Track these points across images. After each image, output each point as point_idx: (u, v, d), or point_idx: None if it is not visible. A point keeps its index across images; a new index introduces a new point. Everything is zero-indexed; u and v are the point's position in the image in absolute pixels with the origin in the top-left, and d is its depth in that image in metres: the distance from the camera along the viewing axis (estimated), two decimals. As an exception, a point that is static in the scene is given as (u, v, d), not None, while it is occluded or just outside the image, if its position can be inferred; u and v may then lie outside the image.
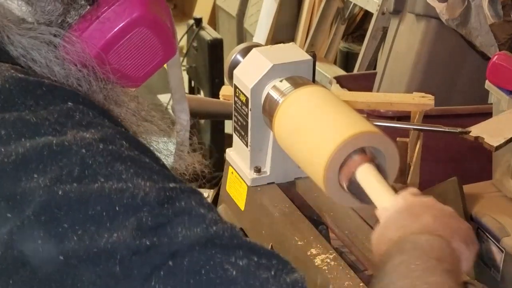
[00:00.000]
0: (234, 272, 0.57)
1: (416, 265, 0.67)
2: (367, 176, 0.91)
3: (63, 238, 0.57)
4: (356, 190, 0.92)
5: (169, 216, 0.59)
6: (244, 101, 1.17)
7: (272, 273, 0.58)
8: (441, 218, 0.80)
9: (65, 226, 0.57)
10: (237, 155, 1.24)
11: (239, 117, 1.20)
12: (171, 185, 0.61)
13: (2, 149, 0.60)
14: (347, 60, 3.36)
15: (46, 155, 0.60)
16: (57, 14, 0.72)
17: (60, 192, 0.58)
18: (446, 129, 1.50)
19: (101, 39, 0.74)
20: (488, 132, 1.50)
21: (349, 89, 2.34)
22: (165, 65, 0.83)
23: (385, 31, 2.73)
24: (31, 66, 0.69)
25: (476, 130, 1.50)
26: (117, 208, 0.58)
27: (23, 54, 0.69)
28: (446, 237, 0.76)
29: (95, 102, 0.69)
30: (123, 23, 0.74)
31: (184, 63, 3.39)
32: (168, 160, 0.83)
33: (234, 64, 1.22)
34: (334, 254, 1.06)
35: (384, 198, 0.87)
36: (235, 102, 1.20)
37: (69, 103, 0.64)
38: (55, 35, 0.71)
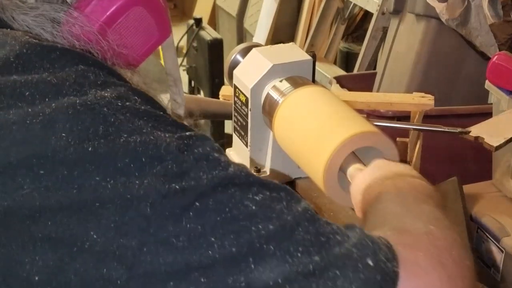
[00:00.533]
0: (253, 207, 0.63)
1: (411, 196, 0.74)
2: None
3: (97, 188, 0.61)
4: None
5: (190, 162, 0.64)
6: (244, 101, 1.17)
7: (284, 203, 0.64)
8: (402, 170, 0.86)
9: (97, 179, 0.61)
10: (237, 155, 1.24)
11: (239, 117, 1.20)
12: (186, 133, 0.66)
13: (29, 110, 0.64)
14: (347, 60, 3.36)
15: (72, 115, 0.63)
16: None
17: (90, 149, 0.62)
18: (446, 129, 1.50)
19: (100, 16, 0.77)
20: (488, 132, 1.50)
21: (349, 89, 2.34)
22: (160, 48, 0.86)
23: (385, 31, 2.72)
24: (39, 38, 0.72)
25: (476, 130, 1.50)
26: (143, 159, 0.62)
27: (33, 35, 0.72)
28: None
29: (103, 63, 0.72)
30: (120, 2, 0.77)
31: (184, 63, 3.39)
32: None
33: (234, 64, 1.22)
34: (334, 254, 1.06)
35: None
36: (235, 102, 1.20)
37: (81, 66, 0.68)
38: (57, 11, 0.74)
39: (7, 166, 0.62)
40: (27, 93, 0.64)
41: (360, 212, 0.85)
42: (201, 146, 0.65)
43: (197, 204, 0.62)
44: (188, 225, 0.61)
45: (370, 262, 0.62)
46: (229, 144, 1.27)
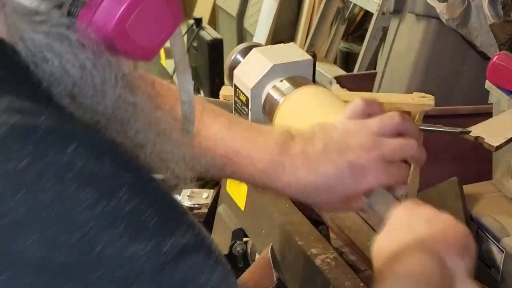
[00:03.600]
0: None
1: None
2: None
3: None
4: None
5: (169, 286, 0.59)
6: (244, 101, 1.17)
7: None
8: (437, 230, 0.82)
9: None
10: (237, 155, 1.24)
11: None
12: (170, 242, 0.60)
13: None
14: (347, 60, 3.35)
15: (44, 219, 0.58)
16: None
17: (60, 259, 0.57)
18: (446, 129, 1.50)
19: (113, 17, 0.69)
20: (488, 132, 1.50)
21: (349, 89, 2.34)
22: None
23: (385, 31, 2.72)
24: (40, 65, 0.66)
25: (476, 130, 1.50)
26: (116, 275, 0.58)
27: (34, 53, 0.65)
28: (440, 253, 0.78)
29: (97, 135, 0.65)
30: None
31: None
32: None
33: (234, 64, 1.22)
34: (334, 254, 1.06)
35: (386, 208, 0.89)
36: (235, 102, 1.20)
37: (68, 150, 0.60)
38: (67, 27, 0.67)
39: None
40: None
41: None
42: (185, 269, 0.60)
43: None
44: None
45: None
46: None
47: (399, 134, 0.96)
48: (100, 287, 0.57)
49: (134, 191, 0.61)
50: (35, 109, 0.63)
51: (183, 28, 3.22)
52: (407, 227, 0.83)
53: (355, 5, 3.16)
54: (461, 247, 0.81)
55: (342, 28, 3.23)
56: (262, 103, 1.14)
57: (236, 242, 1.31)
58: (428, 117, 1.73)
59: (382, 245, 0.82)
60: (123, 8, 0.70)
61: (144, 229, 0.60)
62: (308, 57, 1.18)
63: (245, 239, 1.31)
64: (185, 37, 3.32)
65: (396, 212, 0.86)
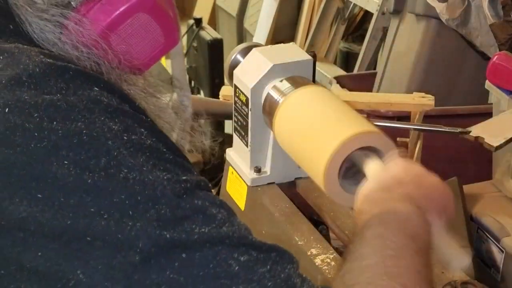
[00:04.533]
0: (236, 267, 0.63)
1: (392, 242, 0.72)
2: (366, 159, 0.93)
3: (91, 221, 0.62)
4: (355, 189, 0.92)
5: (186, 211, 0.64)
6: (244, 101, 1.17)
7: (268, 267, 0.65)
8: (423, 187, 0.85)
9: (92, 211, 0.62)
10: (237, 155, 1.24)
11: (239, 117, 1.20)
12: (186, 177, 0.67)
13: (36, 134, 0.64)
14: (347, 60, 3.35)
15: (76, 144, 0.64)
16: None
17: (89, 180, 0.63)
18: (446, 129, 1.50)
19: (103, 21, 0.76)
20: (488, 132, 1.50)
21: (349, 89, 2.34)
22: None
23: (385, 31, 2.72)
24: (48, 48, 0.73)
25: (476, 130, 1.50)
26: (139, 198, 0.63)
27: (39, 35, 0.73)
28: (424, 208, 0.81)
29: (115, 85, 0.73)
30: (124, 7, 0.77)
31: (184, 63, 3.39)
32: (174, 134, 0.87)
33: (234, 64, 1.22)
34: (334, 254, 1.06)
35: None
36: (235, 102, 1.20)
37: (95, 88, 0.68)
38: (63, 16, 0.74)
39: (7, 185, 0.63)
40: (35, 115, 0.65)
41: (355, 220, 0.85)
42: (201, 199, 0.66)
43: (183, 256, 0.63)
44: (171, 276, 0.62)
45: None
46: (229, 144, 1.27)
47: None
48: (124, 209, 0.62)
49: (152, 132, 0.69)
50: (63, 57, 0.72)
51: (183, 28, 3.23)
52: (396, 180, 0.85)
53: (355, 5, 3.16)
54: (442, 206, 0.85)
55: (342, 28, 3.23)
56: (262, 103, 1.14)
57: (236, 242, 1.31)
58: (428, 117, 1.73)
59: (370, 194, 0.85)
60: (113, 16, 0.77)
61: (163, 162, 0.67)
62: (308, 57, 1.18)
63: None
64: (185, 37, 3.32)
65: (388, 166, 0.89)
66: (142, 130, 0.68)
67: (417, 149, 1.63)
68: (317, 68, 1.28)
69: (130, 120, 0.68)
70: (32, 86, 0.66)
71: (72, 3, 0.75)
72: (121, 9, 0.77)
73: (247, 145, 1.19)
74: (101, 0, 0.76)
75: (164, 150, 0.69)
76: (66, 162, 0.63)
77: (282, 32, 3.61)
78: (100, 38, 0.74)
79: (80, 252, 0.61)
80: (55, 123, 0.64)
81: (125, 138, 0.66)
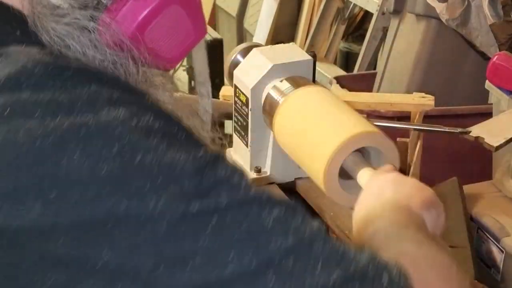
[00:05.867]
0: (270, 223, 0.62)
1: (392, 231, 0.75)
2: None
3: (111, 209, 0.60)
4: (355, 189, 0.93)
5: (209, 183, 0.62)
6: (244, 101, 1.17)
7: (299, 220, 0.64)
8: (403, 192, 0.86)
9: (111, 201, 0.60)
10: (237, 155, 1.24)
11: (239, 117, 1.20)
12: (203, 152, 0.65)
13: (40, 130, 0.62)
14: (347, 60, 3.35)
15: (84, 135, 0.62)
16: None
17: (103, 171, 0.60)
18: (446, 129, 1.50)
19: (135, 19, 0.74)
20: (488, 132, 1.50)
21: (349, 89, 2.34)
22: None
23: (385, 31, 2.72)
24: (64, 52, 0.71)
25: (476, 130, 1.50)
26: (159, 180, 0.61)
27: (57, 42, 0.70)
28: (406, 206, 0.83)
29: (120, 80, 0.71)
30: (155, 2, 0.74)
31: (184, 63, 3.39)
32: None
33: (234, 64, 1.22)
34: (334, 254, 1.06)
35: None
36: (235, 102, 1.21)
37: (94, 85, 0.66)
38: (89, 19, 0.72)
39: (17, 189, 0.61)
40: (37, 113, 0.63)
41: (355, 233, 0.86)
42: (223, 169, 0.64)
43: (214, 222, 0.61)
44: (205, 243, 0.60)
45: (386, 277, 0.62)
46: (229, 144, 1.27)
47: None
48: (145, 192, 0.60)
49: (159, 115, 0.67)
50: (67, 57, 0.70)
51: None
52: (376, 194, 0.87)
53: (355, 5, 3.15)
54: (426, 203, 0.85)
55: (342, 28, 3.23)
56: (262, 103, 1.14)
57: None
58: (428, 117, 1.73)
59: (356, 217, 0.86)
60: (146, 12, 0.74)
61: (177, 142, 0.65)
62: (308, 57, 1.18)
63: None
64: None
65: (366, 184, 0.90)
66: (150, 114, 0.66)
67: (417, 149, 1.63)
68: (317, 68, 1.28)
69: (135, 107, 0.66)
70: (31, 85, 0.65)
71: (102, 2, 0.72)
72: (154, 4, 0.74)
73: (247, 145, 1.19)
74: None
75: (176, 131, 0.67)
76: (76, 155, 0.61)
77: (282, 32, 3.61)
78: (129, 38, 0.72)
79: (103, 236, 0.60)
80: (58, 118, 0.62)
81: (133, 123, 0.63)
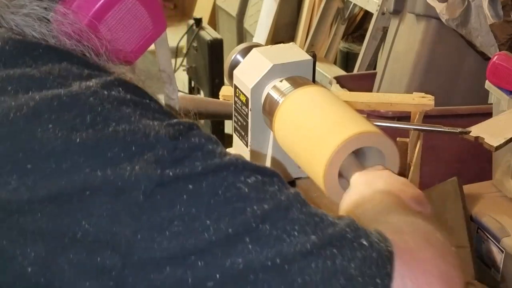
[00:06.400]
0: (246, 189, 0.63)
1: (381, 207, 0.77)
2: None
3: (87, 179, 0.60)
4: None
5: (184, 150, 0.63)
6: (244, 101, 1.17)
7: (276, 187, 0.65)
8: (393, 184, 0.87)
9: (86, 171, 0.60)
10: (237, 155, 1.24)
11: (239, 117, 1.20)
12: (176, 120, 0.66)
13: (13, 103, 0.62)
14: (347, 60, 3.35)
15: (57, 106, 0.62)
16: None
17: (77, 140, 0.61)
18: (446, 129, 1.50)
19: (90, 8, 0.75)
20: (488, 132, 1.50)
21: (349, 89, 2.34)
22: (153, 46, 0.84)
23: (385, 31, 2.72)
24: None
25: (476, 130, 1.50)
26: (133, 148, 0.62)
27: (17, 32, 0.71)
28: (398, 196, 0.83)
29: (89, 61, 0.71)
30: None
31: (184, 63, 3.39)
32: None
33: (234, 64, 1.22)
34: (334, 254, 1.06)
35: None
36: (235, 102, 1.21)
37: (65, 62, 0.67)
38: (46, 9, 0.72)
39: None
40: (9, 88, 0.63)
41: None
42: (197, 136, 0.65)
43: (190, 187, 0.61)
44: (182, 209, 0.61)
45: (365, 242, 0.63)
46: (229, 144, 1.27)
47: None
48: (120, 160, 0.61)
49: (130, 87, 0.67)
50: (36, 39, 0.71)
51: (183, 28, 3.23)
52: (368, 183, 0.88)
53: (355, 5, 3.15)
54: (416, 199, 0.85)
55: (342, 28, 3.23)
56: (262, 103, 1.14)
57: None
58: (428, 117, 1.72)
59: (344, 202, 0.88)
60: (101, 1, 0.75)
61: (150, 111, 0.65)
62: (308, 57, 1.18)
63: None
64: (185, 37, 3.31)
65: (356, 175, 0.91)
66: (122, 86, 0.67)
67: (417, 149, 1.63)
68: (317, 68, 1.28)
69: (108, 78, 0.67)
70: (1, 63, 0.65)
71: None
72: None
73: (247, 145, 1.19)
74: None
75: (148, 102, 0.67)
76: (50, 126, 0.61)
77: (282, 32, 3.61)
78: (87, 28, 0.73)
79: (81, 206, 0.60)
80: (31, 92, 0.63)
81: (105, 93, 0.64)
